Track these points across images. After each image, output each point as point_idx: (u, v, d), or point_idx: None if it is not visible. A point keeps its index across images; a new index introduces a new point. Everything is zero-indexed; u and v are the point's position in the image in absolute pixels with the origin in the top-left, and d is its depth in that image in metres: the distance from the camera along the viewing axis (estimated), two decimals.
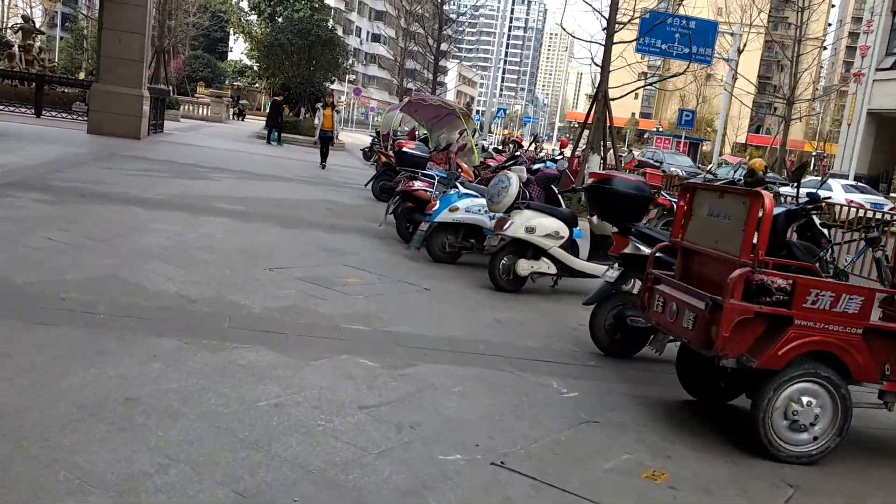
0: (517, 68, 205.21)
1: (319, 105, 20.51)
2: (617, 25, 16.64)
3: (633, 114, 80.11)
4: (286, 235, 8.76)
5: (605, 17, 16.43)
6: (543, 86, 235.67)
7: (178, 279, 5.91)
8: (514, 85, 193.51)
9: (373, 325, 5.49)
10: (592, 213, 8.13)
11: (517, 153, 10.65)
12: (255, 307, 5.49)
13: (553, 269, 7.57)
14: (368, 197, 14.10)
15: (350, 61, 47.59)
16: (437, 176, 9.64)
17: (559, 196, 8.97)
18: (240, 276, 6.35)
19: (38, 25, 39.51)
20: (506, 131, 71.30)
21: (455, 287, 7.35)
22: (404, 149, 10.38)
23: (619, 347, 5.65)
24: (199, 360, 4.22)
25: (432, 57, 37.08)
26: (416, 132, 17.20)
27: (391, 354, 4.86)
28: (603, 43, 16.49)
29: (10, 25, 43.80)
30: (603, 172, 6.15)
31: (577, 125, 72.22)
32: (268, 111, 29.18)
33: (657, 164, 31.31)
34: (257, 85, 58.25)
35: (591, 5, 16.67)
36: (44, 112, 22.69)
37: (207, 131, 28.59)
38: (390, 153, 14.12)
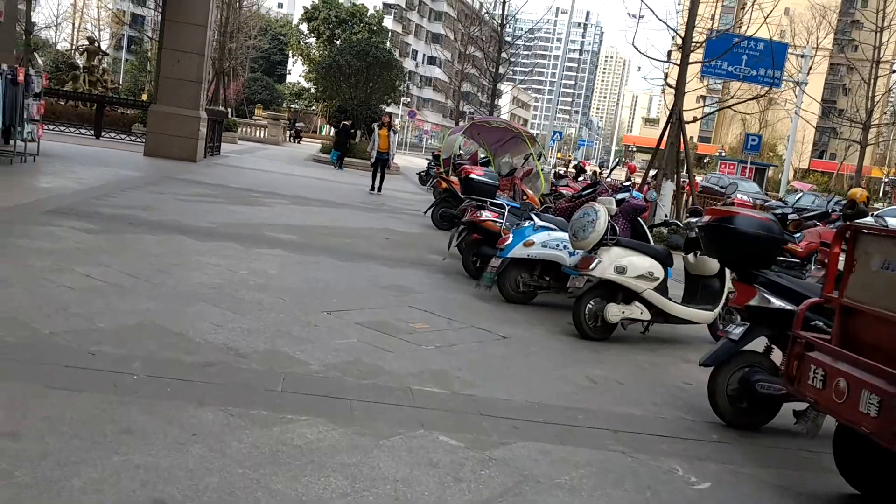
0: (571, 91, 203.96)
1: (376, 125, 19.76)
2: (692, 44, 15.66)
3: (692, 137, 78.10)
4: (344, 270, 8.01)
5: (681, 36, 15.47)
6: (598, 109, 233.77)
7: (226, 327, 5.17)
8: (569, 108, 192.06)
9: (450, 388, 4.65)
10: (688, 251, 7.21)
11: (597, 181, 9.75)
12: (313, 363, 4.70)
13: (647, 315, 6.65)
14: (428, 225, 13.35)
15: (406, 84, 47.34)
16: (508, 205, 8.79)
17: (647, 231, 8.07)
18: (295, 322, 5.59)
19: (104, 48, 40.27)
20: (559, 154, 70.29)
21: (535, 335, 6.47)
22: (472, 175, 9.45)
23: (746, 418, 4.71)
24: (246, 440, 3.43)
25: (489, 80, 36.44)
26: (478, 156, 16.39)
27: (476, 429, 4.01)
28: (678, 63, 15.50)
29: (75, 47, 44.82)
30: (724, 209, 5.22)
31: (633, 149, 70.68)
32: (336, 135, 29.06)
33: (722, 189, 29.89)
34: (314, 108, 58.58)
35: (666, 24, 15.74)
36: (103, 133, 22.67)
37: (263, 154, 28.35)
38: (453, 178, 13.33)
